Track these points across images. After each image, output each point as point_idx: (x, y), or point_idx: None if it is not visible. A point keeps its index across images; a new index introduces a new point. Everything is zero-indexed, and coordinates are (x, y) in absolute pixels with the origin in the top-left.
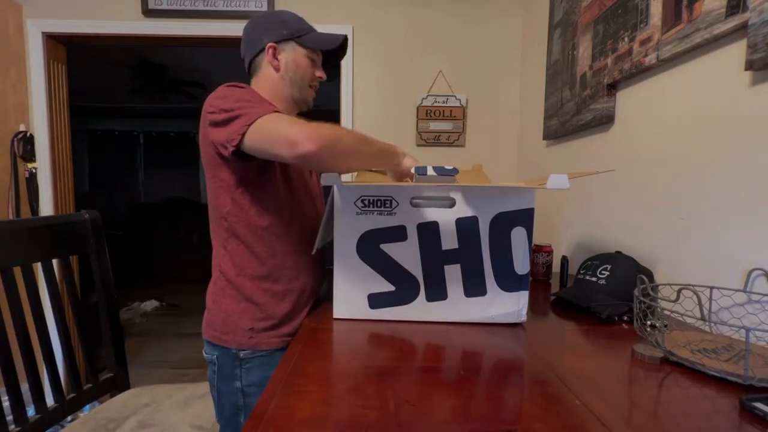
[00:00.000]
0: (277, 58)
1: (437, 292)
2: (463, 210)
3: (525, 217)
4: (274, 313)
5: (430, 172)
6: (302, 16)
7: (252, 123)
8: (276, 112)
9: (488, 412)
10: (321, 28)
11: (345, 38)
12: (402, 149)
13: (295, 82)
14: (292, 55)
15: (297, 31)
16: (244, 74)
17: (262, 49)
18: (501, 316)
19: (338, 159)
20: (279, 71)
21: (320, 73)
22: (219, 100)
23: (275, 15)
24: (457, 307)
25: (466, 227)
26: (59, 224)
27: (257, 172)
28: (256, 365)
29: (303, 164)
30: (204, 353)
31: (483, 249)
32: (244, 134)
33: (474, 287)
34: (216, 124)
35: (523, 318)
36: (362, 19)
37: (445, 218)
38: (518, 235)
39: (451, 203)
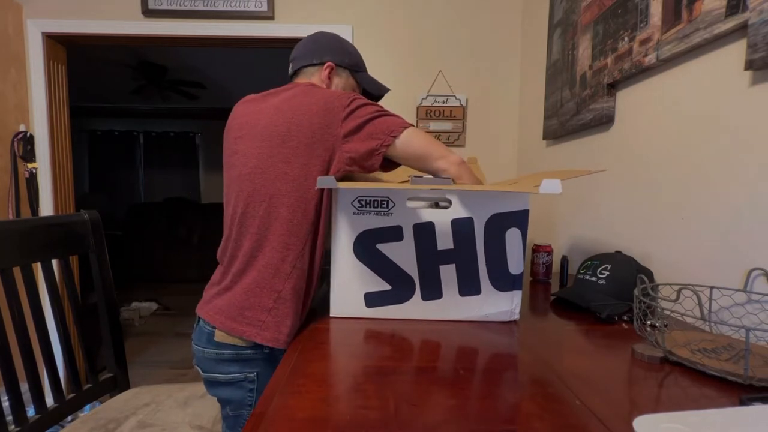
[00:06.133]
0: (330, 78)
1: (432, 291)
2: (458, 211)
3: (520, 219)
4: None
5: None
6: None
7: (408, 126)
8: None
9: (488, 412)
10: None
11: (387, 91)
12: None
13: None
14: (344, 82)
15: (356, 65)
16: (244, 74)
17: (321, 63)
18: (494, 315)
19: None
20: None
21: None
22: (357, 99)
23: (342, 42)
24: (452, 305)
25: (462, 228)
26: (59, 224)
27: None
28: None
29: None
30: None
31: (478, 249)
32: (396, 136)
33: (468, 287)
34: (376, 116)
35: (516, 317)
36: (362, 19)
37: (441, 219)
38: (513, 236)
39: (447, 204)
